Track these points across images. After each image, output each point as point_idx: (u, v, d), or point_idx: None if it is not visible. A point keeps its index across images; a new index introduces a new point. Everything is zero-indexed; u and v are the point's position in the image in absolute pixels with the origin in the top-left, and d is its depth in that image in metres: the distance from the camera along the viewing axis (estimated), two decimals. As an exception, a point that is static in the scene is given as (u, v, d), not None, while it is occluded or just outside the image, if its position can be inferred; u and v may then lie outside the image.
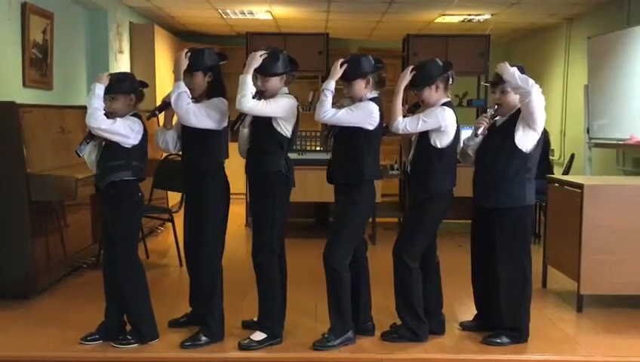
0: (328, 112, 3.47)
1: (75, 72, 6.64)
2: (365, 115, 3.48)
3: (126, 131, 3.45)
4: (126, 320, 3.63)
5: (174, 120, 3.70)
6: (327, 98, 3.47)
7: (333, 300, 3.57)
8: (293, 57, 3.63)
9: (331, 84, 3.49)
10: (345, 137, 3.54)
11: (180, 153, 3.76)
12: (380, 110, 3.52)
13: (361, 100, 3.53)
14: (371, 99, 3.53)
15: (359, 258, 3.70)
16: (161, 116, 3.73)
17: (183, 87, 3.47)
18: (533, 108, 3.42)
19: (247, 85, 3.42)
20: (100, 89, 3.43)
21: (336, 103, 3.60)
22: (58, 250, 4.70)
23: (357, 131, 3.49)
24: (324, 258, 3.54)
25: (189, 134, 3.58)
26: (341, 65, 3.52)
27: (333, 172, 3.65)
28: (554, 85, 8.54)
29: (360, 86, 3.53)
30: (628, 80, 6.29)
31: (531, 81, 3.40)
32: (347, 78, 3.53)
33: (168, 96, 3.54)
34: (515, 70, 3.42)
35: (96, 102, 3.40)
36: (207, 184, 3.58)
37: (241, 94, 3.42)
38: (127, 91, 3.52)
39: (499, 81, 3.56)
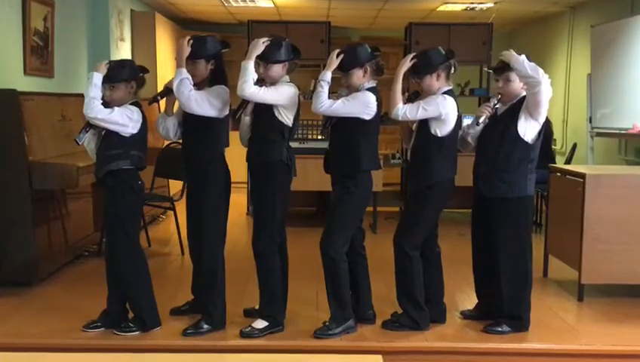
0: (325, 103, 3.45)
1: (76, 60, 6.62)
2: (362, 105, 3.46)
3: (124, 120, 3.43)
4: (128, 307, 3.64)
5: (175, 106, 3.69)
6: (324, 89, 3.46)
7: (331, 289, 3.57)
8: (295, 46, 3.61)
9: (327, 75, 3.47)
10: (342, 127, 3.53)
11: (180, 141, 3.76)
12: (378, 99, 3.50)
13: (358, 90, 3.51)
14: (369, 89, 3.51)
15: (357, 247, 3.70)
16: (163, 102, 3.72)
17: (185, 73, 3.45)
18: (541, 98, 3.40)
19: (249, 71, 3.41)
20: (97, 78, 3.40)
21: (335, 93, 3.59)
22: (60, 238, 4.71)
23: (354, 121, 3.48)
24: (320, 247, 3.54)
25: (190, 122, 3.58)
26: (337, 56, 3.50)
27: (330, 162, 3.64)
28: (557, 74, 8.50)
29: (357, 75, 3.51)
30: (631, 69, 6.26)
31: (541, 71, 3.38)
32: (344, 69, 3.51)
33: (170, 82, 3.53)
34: (524, 58, 3.39)
35: (94, 92, 3.37)
36: (208, 172, 3.58)
37: (242, 80, 3.40)
38: (127, 79, 3.50)
39: (503, 69, 3.54)
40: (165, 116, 3.71)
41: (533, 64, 3.39)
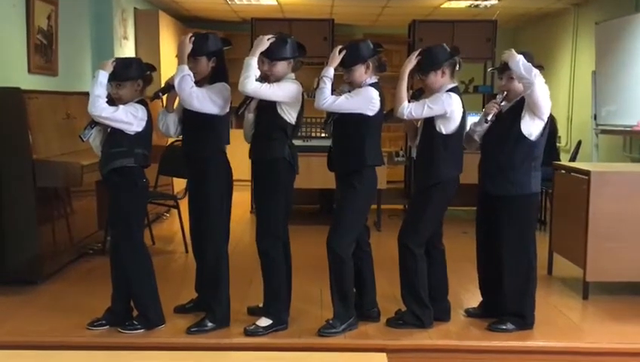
0: (328, 99, 3.44)
1: (80, 58, 6.63)
2: (365, 101, 3.45)
3: (128, 118, 3.43)
4: (133, 305, 3.64)
5: (176, 103, 3.69)
6: (326, 85, 3.45)
7: (336, 287, 3.56)
8: (301, 43, 3.60)
9: (330, 71, 3.46)
10: (345, 123, 3.52)
11: (181, 137, 3.75)
12: (380, 95, 3.49)
13: (360, 86, 3.50)
14: (371, 85, 3.50)
15: (362, 244, 3.69)
16: (165, 98, 3.71)
17: (186, 70, 3.45)
18: (537, 98, 3.40)
19: (252, 68, 3.40)
20: (103, 76, 3.40)
21: (336, 90, 3.58)
22: (64, 236, 4.72)
23: (357, 117, 3.47)
24: (327, 245, 3.54)
25: (190, 118, 3.57)
26: (340, 52, 3.49)
27: (334, 159, 3.63)
28: (561, 71, 8.48)
29: (360, 72, 3.50)
30: (636, 66, 6.24)
31: (534, 72, 3.37)
32: (346, 65, 3.50)
33: (172, 78, 3.52)
34: (520, 59, 3.38)
35: (98, 90, 3.37)
36: (209, 169, 3.58)
37: (244, 76, 3.39)
38: (133, 77, 3.50)
39: (505, 68, 3.53)
40: (166, 112, 3.70)
41: (528, 65, 3.37)
